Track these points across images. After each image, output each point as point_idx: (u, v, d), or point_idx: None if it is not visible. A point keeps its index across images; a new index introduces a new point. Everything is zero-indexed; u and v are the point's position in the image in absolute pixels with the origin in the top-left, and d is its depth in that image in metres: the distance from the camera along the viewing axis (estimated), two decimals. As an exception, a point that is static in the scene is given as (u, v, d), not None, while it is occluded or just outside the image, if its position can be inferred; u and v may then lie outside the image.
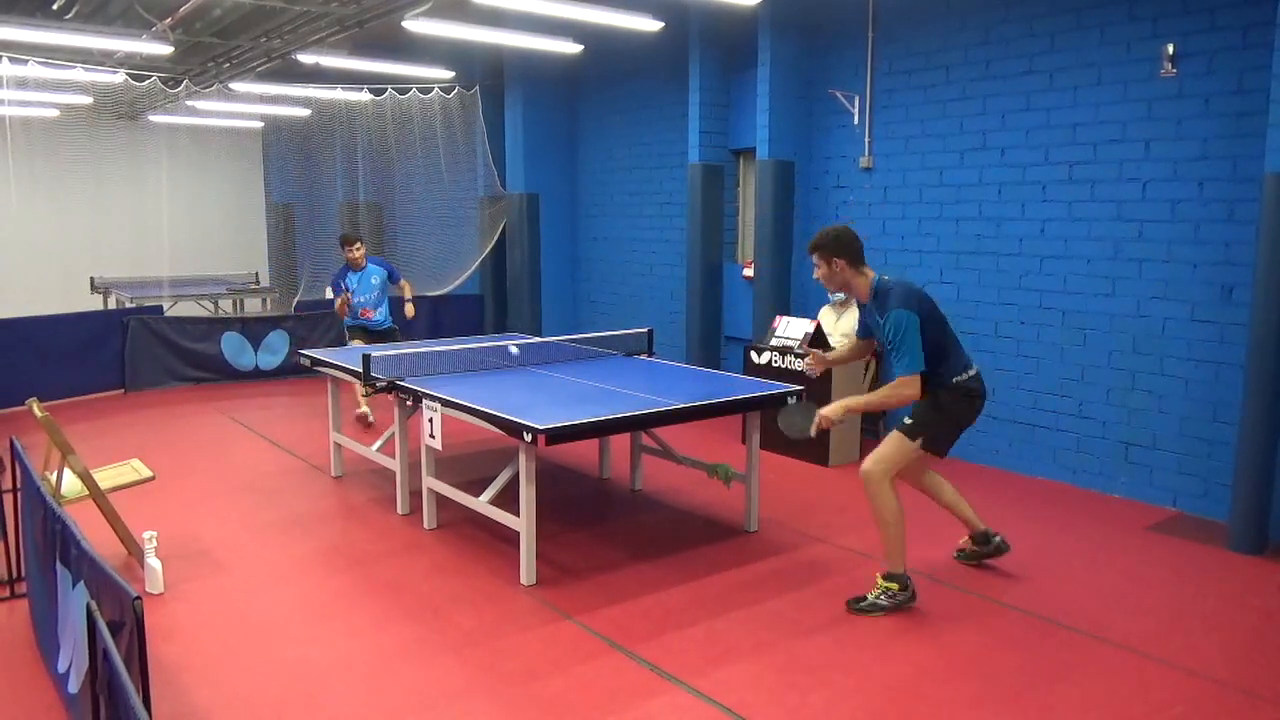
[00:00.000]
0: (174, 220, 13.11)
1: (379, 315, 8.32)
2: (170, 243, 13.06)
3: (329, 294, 8.52)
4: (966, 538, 4.99)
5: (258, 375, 10.22)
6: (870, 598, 4.42)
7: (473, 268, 11.56)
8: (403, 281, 8.54)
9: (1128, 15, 5.97)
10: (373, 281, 8.26)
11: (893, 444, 4.46)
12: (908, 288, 4.38)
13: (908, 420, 4.46)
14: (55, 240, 14.16)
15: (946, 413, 4.43)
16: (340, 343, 9.73)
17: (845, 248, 4.41)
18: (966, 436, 4.65)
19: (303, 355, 6.82)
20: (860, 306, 4.65)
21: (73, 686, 3.21)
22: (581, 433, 4.60)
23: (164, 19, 8.28)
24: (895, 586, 4.41)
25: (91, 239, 14.37)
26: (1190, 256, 5.80)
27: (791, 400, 5.25)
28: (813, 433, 4.51)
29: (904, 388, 4.29)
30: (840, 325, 7.20)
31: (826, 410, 4.43)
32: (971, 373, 4.45)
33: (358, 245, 8.25)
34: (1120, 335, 6.16)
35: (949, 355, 4.40)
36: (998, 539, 4.91)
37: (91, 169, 13.64)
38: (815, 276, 4.57)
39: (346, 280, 8.24)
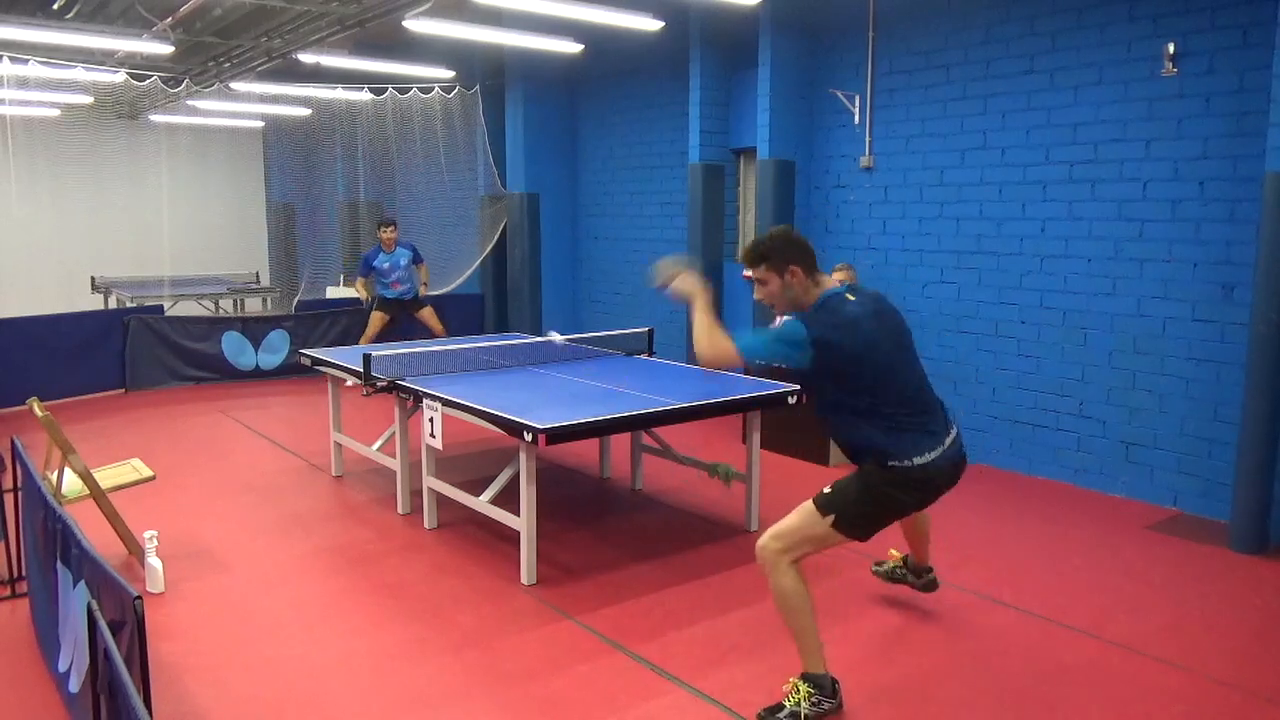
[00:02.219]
0: (174, 219, 13.11)
1: (406, 287, 9.68)
2: (171, 242, 13.06)
3: (357, 275, 9.81)
4: (905, 555, 4.46)
5: (258, 375, 10.22)
6: (788, 706, 3.43)
7: (473, 267, 11.56)
8: (423, 265, 9.88)
9: (1128, 15, 5.97)
10: (401, 262, 9.62)
11: (800, 516, 3.49)
12: (847, 317, 3.31)
13: (827, 489, 3.51)
14: (56, 240, 14.18)
15: (873, 495, 3.42)
16: (339, 342, 9.81)
17: (801, 251, 3.40)
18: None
19: (303, 355, 6.83)
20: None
21: (73, 686, 3.21)
22: (582, 432, 4.60)
23: (164, 18, 8.28)
24: (813, 691, 3.44)
25: (92, 238, 14.39)
26: (1191, 256, 5.79)
27: (791, 400, 5.28)
28: (657, 281, 3.80)
29: (718, 347, 3.41)
30: None
31: (679, 281, 3.71)
32: (928, 457, 3.35)
33: (392, 228, 9.64)
34: (1121, 335, 6.16)
35: (888, 416, 3.35)
36: (930, 576, 4.37)
37: (92, 168, 13.66)
38: (757, 298, 3.55)
39: (377, 260, 9.56)
